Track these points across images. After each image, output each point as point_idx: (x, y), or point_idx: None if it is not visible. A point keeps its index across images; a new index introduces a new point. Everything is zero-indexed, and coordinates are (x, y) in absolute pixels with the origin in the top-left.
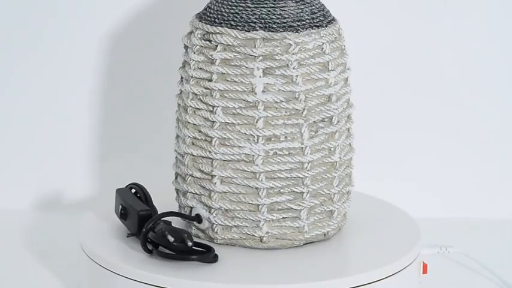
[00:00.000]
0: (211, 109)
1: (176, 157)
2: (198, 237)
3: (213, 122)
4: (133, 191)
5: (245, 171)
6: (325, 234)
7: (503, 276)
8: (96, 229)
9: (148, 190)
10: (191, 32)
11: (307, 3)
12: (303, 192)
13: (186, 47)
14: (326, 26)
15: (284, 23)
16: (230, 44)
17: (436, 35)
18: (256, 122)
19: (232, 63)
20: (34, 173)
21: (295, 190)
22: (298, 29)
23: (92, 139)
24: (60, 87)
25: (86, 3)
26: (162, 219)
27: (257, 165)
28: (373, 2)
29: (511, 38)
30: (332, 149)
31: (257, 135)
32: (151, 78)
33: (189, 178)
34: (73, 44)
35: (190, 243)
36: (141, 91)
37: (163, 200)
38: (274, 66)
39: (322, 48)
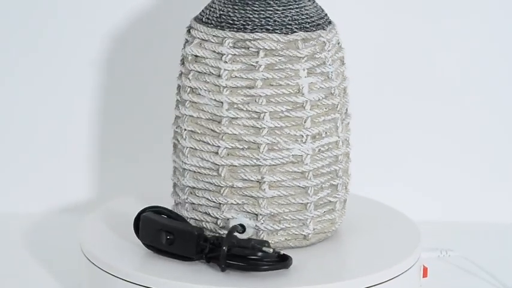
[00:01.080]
0: (257, 116)
1: (176, 168)
2: None
3: (260, 128)
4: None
5: (294, 172)
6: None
7: (503, 280)
8: (96, 231)
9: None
10: (205, 41)
11: (314, 2)
12: (338, 184)
13: (195, 56)
14: (331, 23)
15: (313, 21)
16: (273, 48)
17: (435, 35)
18: (305, 122)
19: (276, 67)
20: (34, 176)
21: (333, 183)
22: (324, 27)
23: (91, 141)
24: (61, 88)
25: (88, 5)
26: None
27: (306, 165)
28: (369, 3)
29: (511, 37)
30: (348, 140)
31: (306, 135)
32: (153, 82)
33: (227, 189)
34: (76, 44)
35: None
36: (142, 95)
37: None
38: (315, 65)
39: (339, 43)
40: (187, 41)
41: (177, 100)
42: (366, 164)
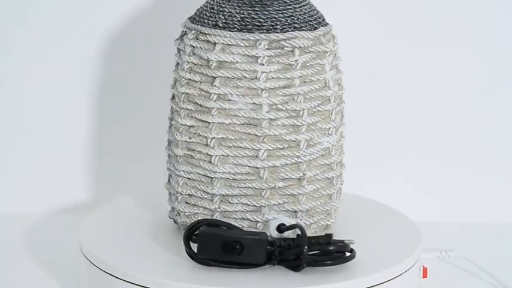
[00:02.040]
0: (296, 114)
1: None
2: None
3: (300, 125)
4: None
5: (325, 164)
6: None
7: (503, 280)
8: (95, 231)
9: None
10: (235, 46)
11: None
12: (342, 173)
13: (221, 62)
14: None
15: (319, 17)
16: (307, 45)
17: (434, 35)
18: (331, 115)
19: (308, 64)
20: (33, 176)
21: (343, 172)
22: (327, 23)
23: (90, 142)
24: (60, 89)
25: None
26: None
27: (333, 156)
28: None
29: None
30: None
31: (333, 127)
32: (152, 83)
33: (268, 191)
34: (74, 44)
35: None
36: (141, 95)
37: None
38: (334, 58)
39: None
40: (197, 47)
41: (195, 109)
42: (365, 164)
